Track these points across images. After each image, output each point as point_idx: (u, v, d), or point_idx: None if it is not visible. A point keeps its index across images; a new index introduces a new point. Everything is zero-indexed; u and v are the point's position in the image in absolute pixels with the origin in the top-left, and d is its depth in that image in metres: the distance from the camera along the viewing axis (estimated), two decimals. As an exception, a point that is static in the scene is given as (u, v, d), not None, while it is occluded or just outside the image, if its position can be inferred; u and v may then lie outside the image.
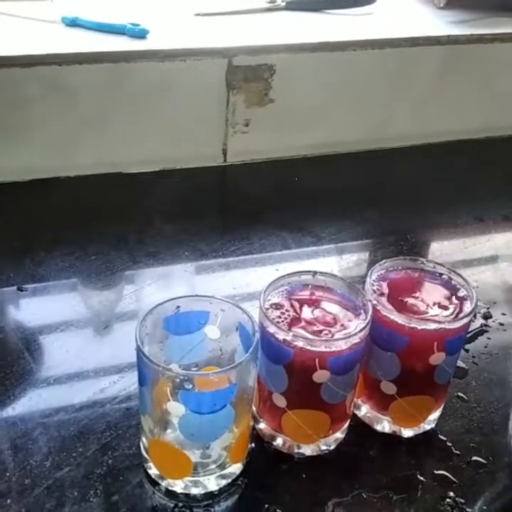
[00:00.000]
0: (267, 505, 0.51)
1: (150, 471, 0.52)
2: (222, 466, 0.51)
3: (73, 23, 0.86)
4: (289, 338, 0.49)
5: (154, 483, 0.52)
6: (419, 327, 0.51)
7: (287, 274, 0.54)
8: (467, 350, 0.66)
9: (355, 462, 0.55)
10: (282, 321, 0.51)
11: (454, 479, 0.54)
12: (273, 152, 0.94)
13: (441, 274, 0.56)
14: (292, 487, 0.53)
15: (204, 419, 0.47)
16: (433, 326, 0.51)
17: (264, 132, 0.91)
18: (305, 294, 0.54)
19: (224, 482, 0.52)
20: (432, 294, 0.55)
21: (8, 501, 0.50)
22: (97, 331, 0.66)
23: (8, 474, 0.52)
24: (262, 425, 0.56)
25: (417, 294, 0.55)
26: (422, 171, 0.95)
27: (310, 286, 0.55)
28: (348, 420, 0.56)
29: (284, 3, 0.96)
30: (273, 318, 0.51)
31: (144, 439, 0.52)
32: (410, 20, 0.97)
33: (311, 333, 0.51)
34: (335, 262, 0.78)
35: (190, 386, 0.46)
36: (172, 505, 0.51)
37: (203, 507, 0.51)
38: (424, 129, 0.99)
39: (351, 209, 0.86)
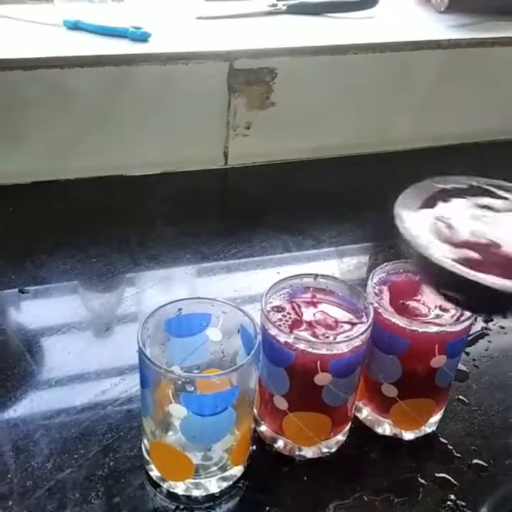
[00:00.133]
0: (268, 508, 0.51)
1: (151, 473, 0.52)
2: (223, 469, 0.51)
3: (75, 26, 0.86)
4: (290, 340, 0.50)
5: (155, 485, 0.52)
6: (420, 330, 0.51)
7: (289, 277, 0.54)
8: (468, 354, 0.66)
9: (356, 465, 0.55)
10: (284, 324, 0.52)
11: (455, 482, 0.54)
12: (274, 155, 0.94)
13: (442, 277, 0.56)
14: (293, 489, 0.53)
15: (206, 421, 0.47)
16: (434, 328, 0.51)
17: (266, 135, 0.92)
18: (306, 297, 0.54)
19: (225, 484, 0.52)
20: (433, 297, 0.55)
21: (10, 503, 0.50)
22: (99, 333, 0.66)
23: (9, 476, 0.52)
24: (263, 427, 0.56)
25: (418, 297, 0.55)
26: (423, 175, 0.95)
27: (311, 288, 0.55)
28: (349, 423, 0.56)
29: (285, 7, 0.96)
30: (274, 321, 0.51)
31: (145, 441, 0.52)
32: (411, 24, 0.98)
33: (312, 335, 0.51)
34: (335, 264, 0.78)
35: (192, 388, 0.46)
36: (173, 507, 0.51)
37: (204, 509, 0.51)
38: (425, 132, 0.99)
39: (352, 212, 0.86)
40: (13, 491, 0.51)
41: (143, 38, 0.84)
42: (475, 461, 0.56)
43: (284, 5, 0.96)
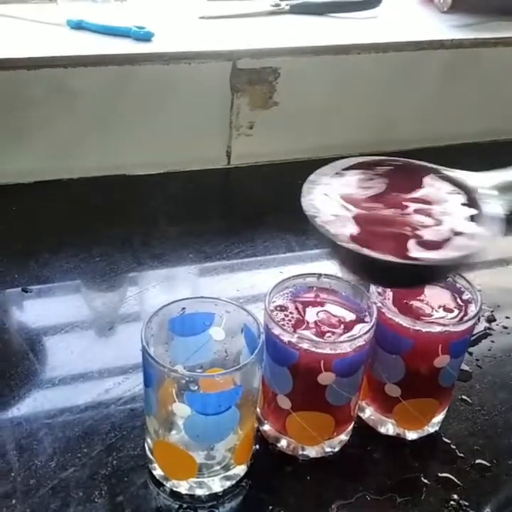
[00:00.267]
0: (271, 507, 0.51)
1: (155, 472, 0.52)
2: (226, 468, 0.51)
3: (78, 25, 0.86)
4: (294, 340, 0.50)
5: (159, 484, 0.52)
6: (423, 330, 0.51)
7: (292, 276, 0.55)
8: (471, 354, 0.66)
9: (359, 464, 0.55)
10: (287, 323, 0.52)
11: (458, 482, 0.54)
12: (277, 155, 0.94)
13: (445, 277, 0.57)
14: (296, 489, 0.53)
15: (209, 420, 0.47)
16: (438, 328, 0.51)
17: (268, 135, 0.92)
18: (310, 296, 0.54)
19: (228, 483, 0.52)
20: (436, 296, 0.55)
21: (13, 501, 0.50)
22: (102, 332, 0.66)
23: (13, 474, 0.52)
24: (266, 427, 0.56)
25: (422, 297, 0.55)
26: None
27: (315, 288, 0.55)
28: (353, 422, 0.56)
29: (288, 7, 0.96)
30: (278, 320, 0.51)
31: (148, 440, 0.52)
32: (414, 24, 0.98)
33: (315, 335, 0.51)
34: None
35: (196, 387, 0.46)
36: (176, 506, 0.51)
37: (208, 508, 0.51)
38: (427, 132, 0.99)
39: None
40: (16, 490, 0.51)
41: (146, 37, 0.84)
42: (478, 461, 0.56)
43: (286, 5, 0.96)
